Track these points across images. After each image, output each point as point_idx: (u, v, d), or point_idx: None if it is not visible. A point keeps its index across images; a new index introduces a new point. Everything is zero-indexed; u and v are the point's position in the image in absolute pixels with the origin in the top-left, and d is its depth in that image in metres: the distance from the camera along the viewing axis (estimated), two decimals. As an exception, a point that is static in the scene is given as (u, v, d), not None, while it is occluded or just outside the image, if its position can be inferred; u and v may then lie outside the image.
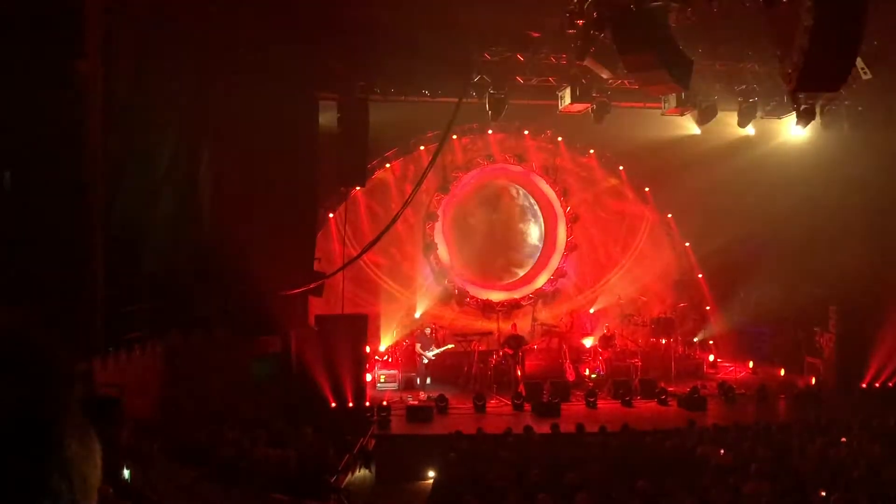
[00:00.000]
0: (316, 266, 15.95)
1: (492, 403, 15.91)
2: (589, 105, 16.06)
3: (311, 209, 16.01)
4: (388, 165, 18.95)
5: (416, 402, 15.66)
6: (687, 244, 20.69)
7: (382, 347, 18.27)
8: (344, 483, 11.60)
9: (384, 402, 15.03)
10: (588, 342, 18.33)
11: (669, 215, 20.72)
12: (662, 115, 17.19)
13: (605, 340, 18.06)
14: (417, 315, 18.68)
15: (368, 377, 16.07)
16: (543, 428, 13.07)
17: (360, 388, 15.09)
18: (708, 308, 20.38)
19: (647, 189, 20.56)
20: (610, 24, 11.26)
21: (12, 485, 1.01)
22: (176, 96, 12.92)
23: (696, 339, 19.51)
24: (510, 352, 17.05)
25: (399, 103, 16.61)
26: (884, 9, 10.99)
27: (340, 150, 16.05)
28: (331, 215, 18.27)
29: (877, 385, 16.55)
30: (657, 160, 19.32)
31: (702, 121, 17.29)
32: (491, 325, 19.31)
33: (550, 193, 20.16)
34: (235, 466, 10.17)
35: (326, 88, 15.58)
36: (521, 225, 20.51)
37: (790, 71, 14.53)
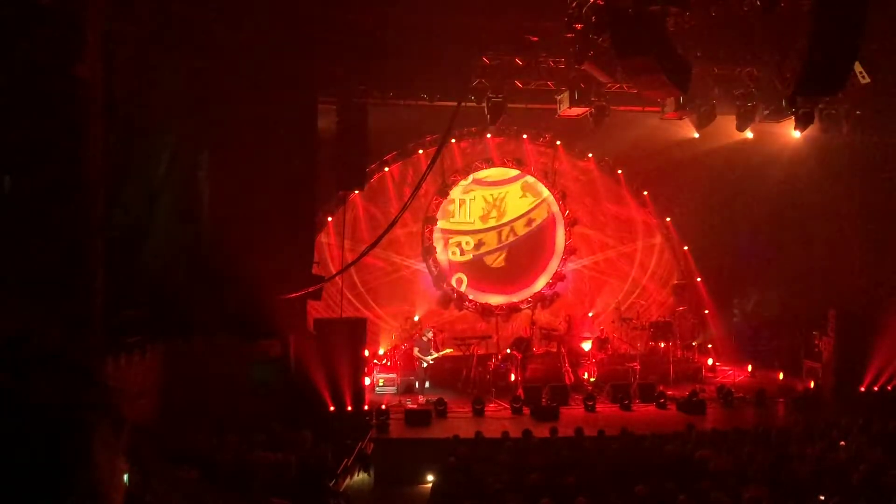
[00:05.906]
0: (314, 270, 15.95)
1: (490, 407, 15.89)
2: (587, 109, 16.09)
3: (309, 213, 15.98)
4: (386, 169, 18.97)
5: (414, 406, 15.65)
6: (686, 248, 20.71)
7: (381, 351, 18.28)
8: (343, 487, 11.61)
9: (383, 406, 15.03)
10: (587, 346, 18.32)
11: (668, 219, 20.74)
12: (661, 118, 17.23)
13: (600, 343, 18.09)
14: (416, 318, 18.69)
15: (367, 381, 16.04)
16: (542, 432, 13.03)
17: (358, 392, 15.06)
18: (707, 312, 20.37)
19: (645, 193, 20.58)
20: (608, 28, 11.29)
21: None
22: (175, 100, 12.91)
23: (694, 343, 19.48)
24: (518, 355, 17.04)
25: (398, 107, 16.64)
26: (882, 13, 11.02)
27: (339, 153, 16.05)
28: (329, 219, 18.31)
29: (876, 388, 16.51)
30: (656, 164, 19.38)
31: (700, 125, 17.32)
32: (490, 329, 19.35)
33: (549, 197, 20.17)
34: (235, 471, 10.16)
35: (326, 92, 15.58)
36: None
37: (789, 75, 14.59)
